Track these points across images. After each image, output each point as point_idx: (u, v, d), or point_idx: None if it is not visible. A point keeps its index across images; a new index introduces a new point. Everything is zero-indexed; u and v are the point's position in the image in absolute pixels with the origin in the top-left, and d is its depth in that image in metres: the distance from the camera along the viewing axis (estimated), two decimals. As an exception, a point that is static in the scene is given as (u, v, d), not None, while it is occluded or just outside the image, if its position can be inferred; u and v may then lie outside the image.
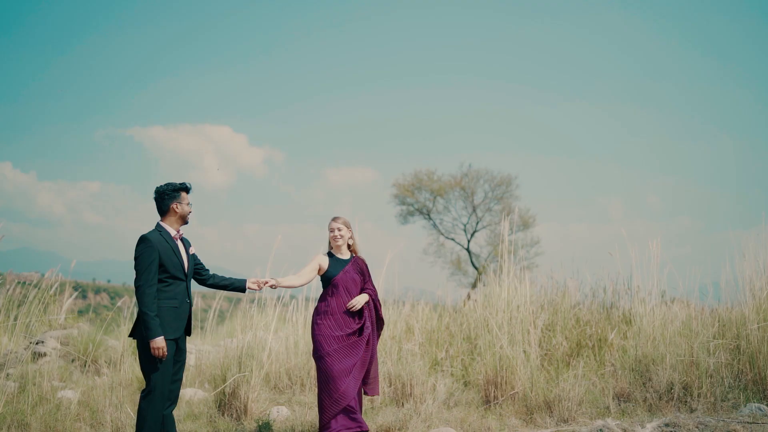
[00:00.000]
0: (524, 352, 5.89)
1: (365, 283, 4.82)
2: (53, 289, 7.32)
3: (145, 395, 3.86)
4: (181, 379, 4.08)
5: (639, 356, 5.95)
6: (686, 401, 5.31)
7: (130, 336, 4.03)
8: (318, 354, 4.54)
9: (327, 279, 4.70)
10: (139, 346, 3.92)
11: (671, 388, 5.40)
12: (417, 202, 26.87)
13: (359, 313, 4.69)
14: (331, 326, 4.59)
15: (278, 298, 6.97)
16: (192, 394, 6.29)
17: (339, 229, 4.76)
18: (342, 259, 4.77)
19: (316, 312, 4.70)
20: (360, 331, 4.65)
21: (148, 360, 3.86)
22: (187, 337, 4.14)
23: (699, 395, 5.30)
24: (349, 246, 4.85)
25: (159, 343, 3.81)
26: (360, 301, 4.68)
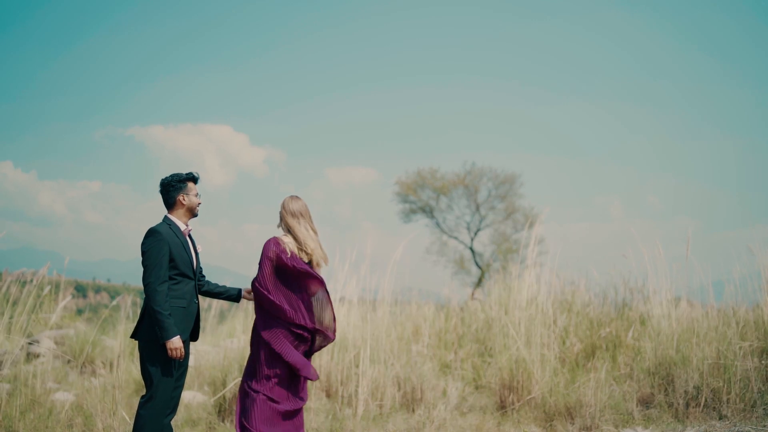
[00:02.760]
0: (542, 354, 5.57)
1: None
2: (47, 287, 7.04)
3: (145, 402, 3.56)
4: (182, 386, 3.77)
5: (659, 359, 5.65)
6: (715, 407, 5.00)
7: (132, 337, 3.69)
8: None
9: None
10: (142, 349, 3.60)
11: (698, 394, 5.09)
12: (420, 200, 26.55)
13: None
14: None
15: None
16: (191, 397, 6.00)
17: None
18: None
19: None
20: None
21: (151, 363, 3.55)
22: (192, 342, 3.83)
23: (728, 401, 4.99)
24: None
25: (176, 343, 3.50)
26: None
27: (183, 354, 3.55)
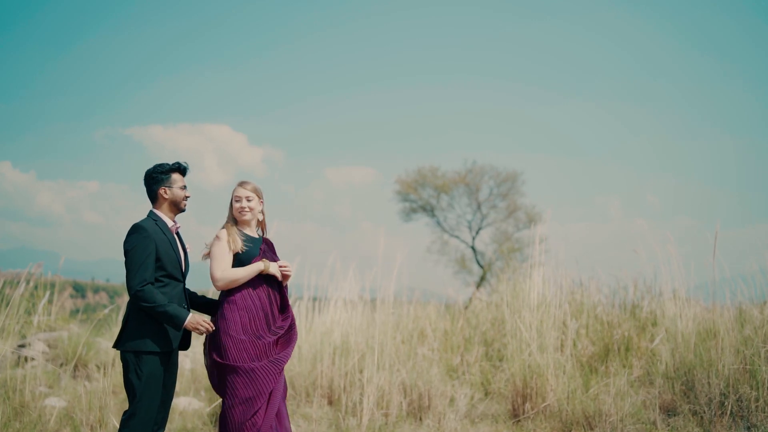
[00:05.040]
0: (556, 359, 5.27)
1: None
2: (23, 283, 6.71)
3: (127, 419, 3.21)
4: (171, 401, 3.42)
5: (677, 363, 5.36)
6: (743, 415, 4.70)
7: (114, 347, 3.32)
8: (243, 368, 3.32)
9: (245, 261, 3.44)
10: (125, 359, 3.25)
11: (724, 401, 4.80)
12: (420, 198, 26.27)
13: (284, 305, 3.52)
14: (256, 327, 3.37)
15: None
16: (186, 404, 5.72)
17: (248, 199, 3.50)
18: (253, 237, 3.56)
19: (232, 306, 3.38)
20: (289, 329, 3.49)
21: (135, 376, 3.21)
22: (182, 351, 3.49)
23: (756, 408, 4.70)
24: (258, 222, 3.65)
25: (194, 318, 3.24)
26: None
27: (211, 325, 3.30)
